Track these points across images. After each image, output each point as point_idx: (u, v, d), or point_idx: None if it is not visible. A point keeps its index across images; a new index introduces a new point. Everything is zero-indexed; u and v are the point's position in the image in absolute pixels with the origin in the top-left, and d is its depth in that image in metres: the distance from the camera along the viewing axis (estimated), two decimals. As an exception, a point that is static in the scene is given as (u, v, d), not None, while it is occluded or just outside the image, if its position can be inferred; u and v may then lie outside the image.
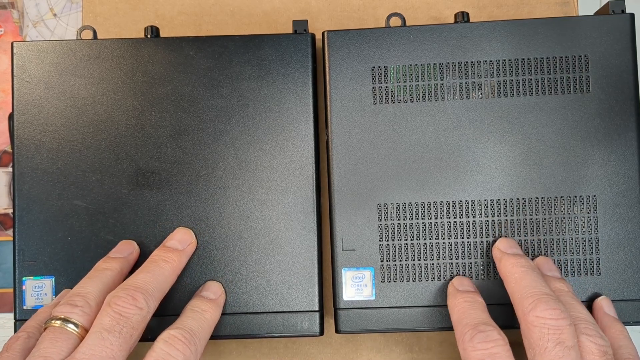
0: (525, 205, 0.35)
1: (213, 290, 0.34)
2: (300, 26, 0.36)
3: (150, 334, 0.34)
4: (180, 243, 0.34)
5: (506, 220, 0.35)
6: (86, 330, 0.29)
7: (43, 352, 0.28)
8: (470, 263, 0.34)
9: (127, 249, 0.34)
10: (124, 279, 0.32)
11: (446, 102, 0.35)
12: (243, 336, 0.35)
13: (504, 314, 0.34)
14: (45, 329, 0.30)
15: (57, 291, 0.35)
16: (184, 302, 0.34)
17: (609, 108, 0.34)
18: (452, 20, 0.37)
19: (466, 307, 0.31)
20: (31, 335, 0.30)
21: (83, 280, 0.32)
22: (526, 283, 0.30)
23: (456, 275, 0.34)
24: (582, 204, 0.34)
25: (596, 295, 0.34)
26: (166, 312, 0.34)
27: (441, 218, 0.35)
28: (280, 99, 0.35)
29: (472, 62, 0.35)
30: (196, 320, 0.32)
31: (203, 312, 0.32)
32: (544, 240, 0.34)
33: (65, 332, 0.29)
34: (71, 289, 0.32)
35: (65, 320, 0.29)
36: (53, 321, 0.29)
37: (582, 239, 0.34)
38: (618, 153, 0.34)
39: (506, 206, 0.35)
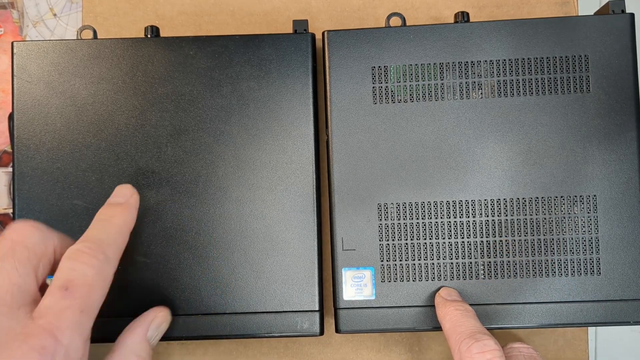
0: (525, 205, 0.35)
1: (122, 194, 0.32)
2: (300, 26, 0.36)
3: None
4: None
5: (506, 220, 0.35)
6: None
7: None
8: (470, 263, 0.34)
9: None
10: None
11: (446, 102, 0.35)
12: (243, 336, 0.35)
13: (505, 313, 0.34)
14: None
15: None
16: (184, 302, 0.34)
17: (609, 108, 0.34)
18: (452, 20, 0.37)
19: (458, 315, 0.31)
20: None
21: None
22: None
23: (456, 275, 0.34)
24: (582, 203, 0.34)
25: (596, 296, 0.34)
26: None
27: (441, 218, 0.35)
28: (280, 99, 0.35)
29: (472, 62, 0.35)
30: (102, 229, 0.29)
31: (111, 218, 0.30)
32: (544, 240, 0.34)
33: None
34: None
35: None
36: None
37: (582, 238, 0.34)
38: (618, 153, 0.34)
39: (506, 206, 0.35)
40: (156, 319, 0.31)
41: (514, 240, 0.34)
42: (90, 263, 0.27)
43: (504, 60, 0.35)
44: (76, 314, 0.26)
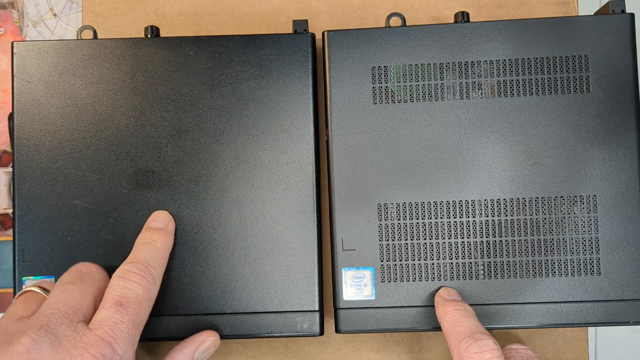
0: (525, 205, 0.35)
1: (161, 220, 0.34)
2: (300, 26, 0.36)
3: (150, 335, 0.34)
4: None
5: (506, 220, 0.35)
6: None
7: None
8: (470, 263, 0.34)
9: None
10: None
11: (446, 102, 0.35)
12: (243, 336, 0.35)
13: (505, 313, 0.34)
14: None
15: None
16: (184, 302, 0.34)
17: (609, 108, 0.34)
18: (452, 20, 0.37)
19: (457, 315, 0.31)
20: None
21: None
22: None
23: (456, 275, 0.34)
24: (582, 203, 0.34)
25: (596, 296, 0.34)
26: (167, 312, 0.34)
27: (441, 218, 0.35)
28: (280, 99, 0.35)
29: (472, 62, 0.35)
30: (148, 252, 0.32)
31: (154, 242, 0.33)
32: (544, 240, 0.34)
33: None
34: None
35: None
36: None
37: (582, 239, 0.34)
38: (618, 153, 0.34)
39: (506, 206, 0.35)
40: (205, 342, 0.33)
41: (514, 240, 0.34)
42: (141, 283, 0.30)
43: (504, 60, 0.35)
44: (129, 328, 0.28)
